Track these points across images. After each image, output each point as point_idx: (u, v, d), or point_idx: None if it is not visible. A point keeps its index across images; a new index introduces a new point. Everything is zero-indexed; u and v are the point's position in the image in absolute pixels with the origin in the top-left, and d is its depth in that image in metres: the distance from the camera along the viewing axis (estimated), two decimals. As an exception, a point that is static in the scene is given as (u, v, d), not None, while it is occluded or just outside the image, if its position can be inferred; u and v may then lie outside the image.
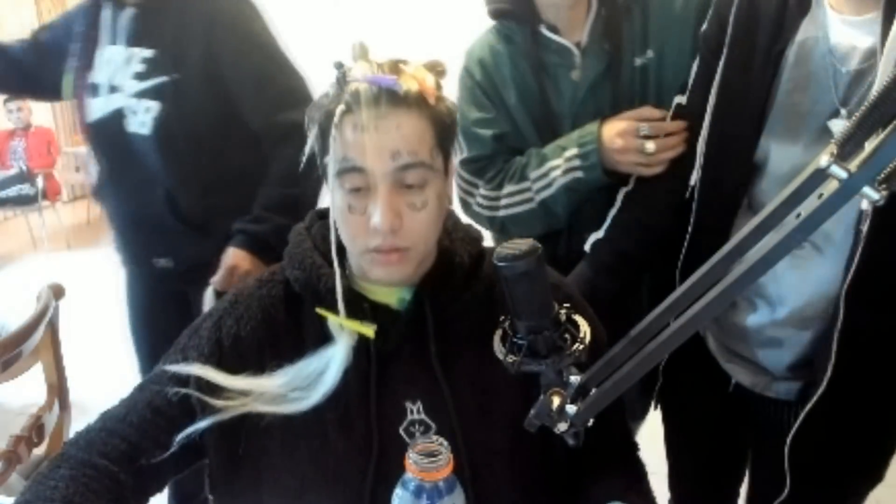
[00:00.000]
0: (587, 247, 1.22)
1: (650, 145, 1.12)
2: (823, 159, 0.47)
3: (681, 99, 1.13)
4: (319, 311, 0.83)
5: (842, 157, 0.47)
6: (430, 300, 0.85)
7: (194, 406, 0.83)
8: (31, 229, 5.44)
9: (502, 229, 1.30)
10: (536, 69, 1.24)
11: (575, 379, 0.63)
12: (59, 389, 1.53)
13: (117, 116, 1.45)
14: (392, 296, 0.86)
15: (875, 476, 1.07)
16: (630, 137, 1.14)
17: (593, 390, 0.61)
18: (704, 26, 1.08)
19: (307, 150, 0.83)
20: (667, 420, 1.30)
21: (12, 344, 1.34)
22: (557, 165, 1.20)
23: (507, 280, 0.62)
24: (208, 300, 1.46)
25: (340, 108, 0.76)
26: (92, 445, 0.82)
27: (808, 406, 0.99)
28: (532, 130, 1.27)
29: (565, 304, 0.65)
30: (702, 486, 1.31)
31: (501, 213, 1.28)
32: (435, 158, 0.80)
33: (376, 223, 0.76)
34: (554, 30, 1.23)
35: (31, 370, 1.48)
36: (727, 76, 1.01)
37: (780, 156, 0.98)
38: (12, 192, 5.09)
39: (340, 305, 0.82)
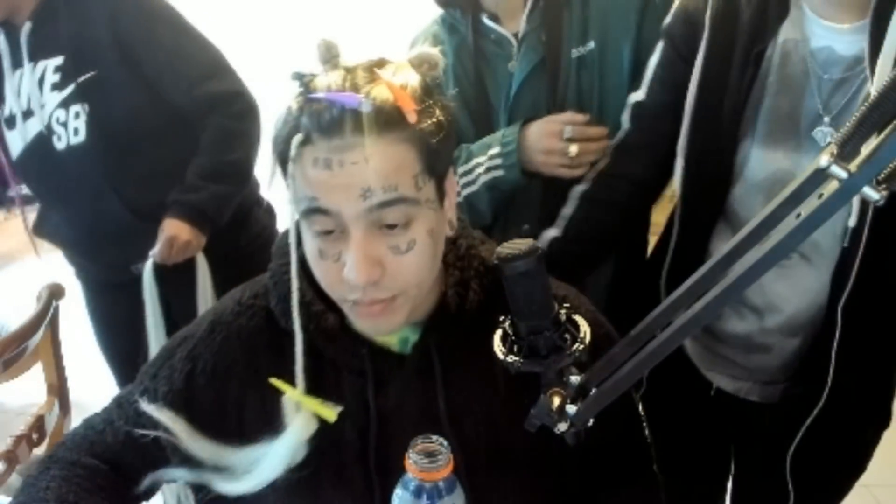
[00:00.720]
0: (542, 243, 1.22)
1: (573, 148, 1.12)
2: (823, 159, 0.47)
3: (638, 96, 1.10)
4: (274, 381, 0.71)
5: (842, 157, 0.47)
6: (438, 347, 0.75)
7: (165, 445, 0.77)
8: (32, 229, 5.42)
9: None
10: (476, 59, 1.24)
11: (575, 379, 0.63)
12: (59, 389, 1.52)
13: (42, 139, 1.40)
14: (393, 336, 0.76)
15: (863, 469, 1.09)
16: (554, 140, 1.13)
17: (593, 390, 0.61)
18: (669, 20, 1.06)
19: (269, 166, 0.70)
20: (650, 427, 1.30)
21: (12, 343, 1.34)
22: (481, 163, 1.21)
23: (506, 280, 0.62)
24: (147, 274, 1.43)
25: (297, 137, 0.63)
26: (80, 447, 0.81)
27: (809, 420, 1.00)
28: (469, 123, 1.27)
29: (565, 304, 0.65)
30: (689, 490, 1.31)
31: None
32: (421, 187, 0.66)
33: (349, 278, 0.64)
34: (494, 18, 1.22)
35: (31, 370, 1.48)
36: (706, 78, 0.99)
37: (759, 161, 0.97)
38: (12, 192, 5.07)
39: (300, 378, 0.70)
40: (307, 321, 0.73)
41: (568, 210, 1.18)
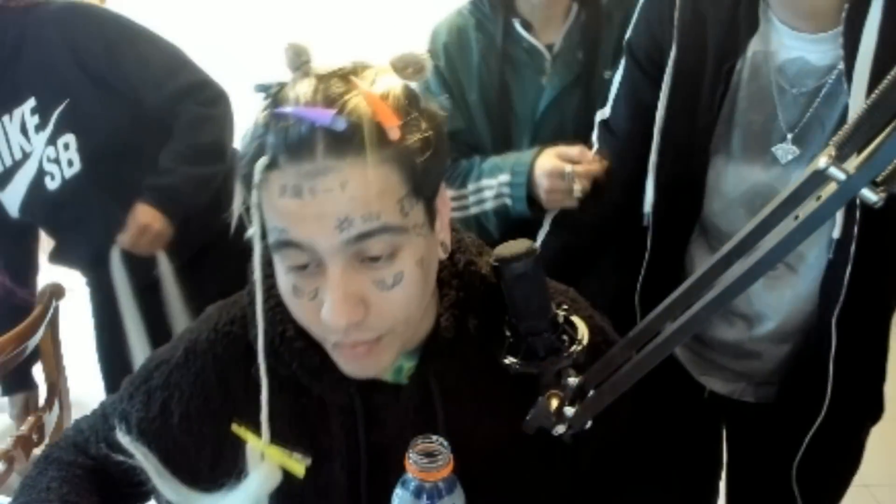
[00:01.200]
0: None
1: (577, 187, 1.05)
2: (822, 161, 0.47)
3: (604, 114, 1.09)
4: (236, 429, 0.65)
5: (840, 158, 0.47)
6: (437, 375, 0.68)
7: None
8: (32, 229, 5.42)
9: None
10: (503, 65, 1.19)
11: (573, 380, 0.63)
12: (59, 389, 1.53)
13: (36, 186, 1.40)
14: None
15: (860, 464, 1.10)
16: (557, 179, 1.07)
17: (591, 392, 0.61)
18: (630, 35, 1.04)
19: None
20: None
21: (12, 344, 1.34)
22: (490, 186, 1.17)
23: (504, 282, 0.62)
24: (116, 261, 1.39)
25: (262, 161, 0.55)
26: (74, 448, 0.80)
27: (812, 430, 1.00)
28: (487, 130, 1.23)
29: (563, 306, 0.65)
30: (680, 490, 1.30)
31: None
32: (408, 213, 0.57)
33: (327, 320, 0.57)
34: (527, 26, 1.19)
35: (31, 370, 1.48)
36: (675, 96, 0.96)
37: (736, 176, 0.96)
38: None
39: (265, 427, 0.63)
40: (290, 359, 0.66)
41: (541, 234, 1.16)
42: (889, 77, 0.44)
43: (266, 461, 0.63)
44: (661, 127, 0.98)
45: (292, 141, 0.54)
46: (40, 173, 1.40)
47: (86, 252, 1.50)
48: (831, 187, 0.47)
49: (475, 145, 1.24)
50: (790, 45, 0.89)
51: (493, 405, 0.70)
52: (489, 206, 1.18)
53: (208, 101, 1.45)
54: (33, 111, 1.38)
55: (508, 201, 1.15)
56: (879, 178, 0.47)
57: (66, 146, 1.38)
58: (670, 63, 0.95)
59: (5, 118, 1.39)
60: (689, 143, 0.96)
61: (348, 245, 0.55)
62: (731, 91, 0.93)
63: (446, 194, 0.66)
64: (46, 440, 1.44)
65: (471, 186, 1.20)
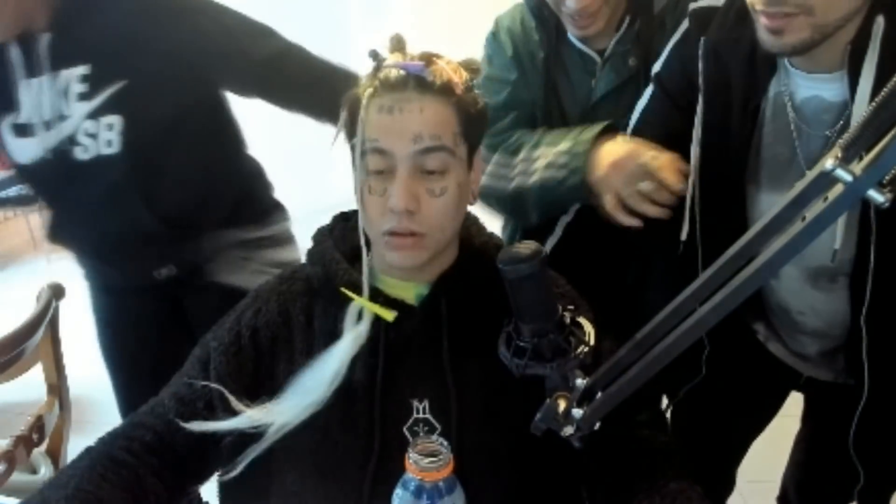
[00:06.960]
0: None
1: (645, 185, 0.94)
2: (829, 162, 0.47)
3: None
4: (344, 290, 0.85)
5: (847, 159, 0.47)
6: (447, 297, 0.86)
7: (215, 403, 0.85)
8: (31, 229, 5.43)
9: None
10: (554, 67, 1.21)
11: (580, 382, 0.62)
12: (59, 389, 1.52)
13: (63, 149, 1.30)
14: (409, 290, 0.87)
15: None
16: (630, 160, 0.97)
17: (599, 394, 0.61)
18: (660, 68, 1.07)
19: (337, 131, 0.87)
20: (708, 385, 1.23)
21: (12, 344, 1.34)
22: (546, 155, 1.11)
23: (510, 283, 0.62)
24: None
25: (369, 91, 0.81)
26: (116, 438, 0.86)
27: (858, 410, 1.02)
28: (541, 114, 1.24)
29: (569, 307, 0.65)
30: (721, 439, 1.30)
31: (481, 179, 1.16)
32: (458, 145, 0.82)
33: (392, 204, 0.79)
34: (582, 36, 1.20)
35: (31, 370, 1.48)
36: (708, 136, 1.00)
37: (767, 204, 0.99)
38: (12, 192, 5.06)
39: (365, 287, 0.84)
40: (335, 277, 0.86)
41: (552, 240, 1.17)
42: (895, 79, 0.44)
43: (362, 319, 0.83)
44: (698, 165, 1.01)
45: (392, 79, 0.80)
46: (71, 142, 1.29)
47: (87, 237, 1.43)
48: (838, 188, 0.48)
49: (530, 122, 1.24)
50: (805, 85, 0.93)
51: (492, 341, 0.73)
52: (536, 178, 1.12)
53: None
54: (83, 79, 1.27)
55: (562, 173, 1.07)
56: (886, 179, 0.47)
57: (110, 127, 1.28)
58: (699, 106, 1.00)
59: (49, 76, 1.28)
60: (725, 177, 1.01)
61: (416, 155, 0.79)
62: (758, 127, 0.98)
63: (481, 162, 0.90)
64: (46, 440, 1.44)
65: (522, 154, 1.16)
